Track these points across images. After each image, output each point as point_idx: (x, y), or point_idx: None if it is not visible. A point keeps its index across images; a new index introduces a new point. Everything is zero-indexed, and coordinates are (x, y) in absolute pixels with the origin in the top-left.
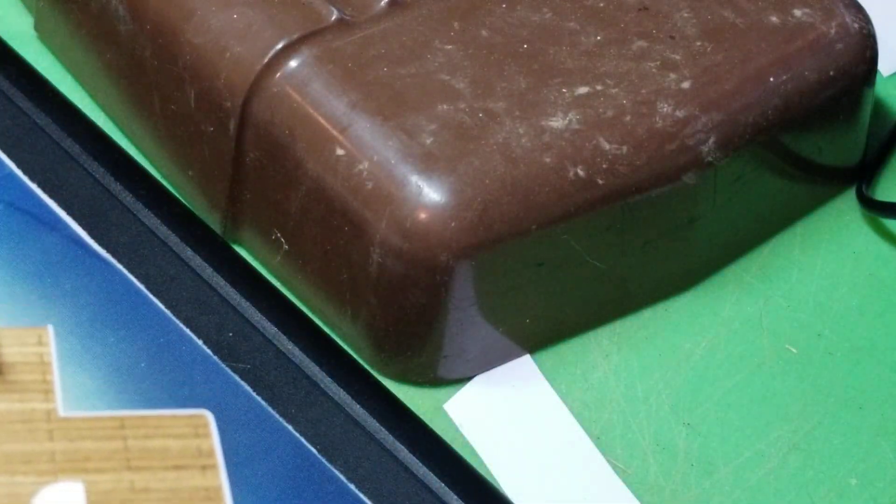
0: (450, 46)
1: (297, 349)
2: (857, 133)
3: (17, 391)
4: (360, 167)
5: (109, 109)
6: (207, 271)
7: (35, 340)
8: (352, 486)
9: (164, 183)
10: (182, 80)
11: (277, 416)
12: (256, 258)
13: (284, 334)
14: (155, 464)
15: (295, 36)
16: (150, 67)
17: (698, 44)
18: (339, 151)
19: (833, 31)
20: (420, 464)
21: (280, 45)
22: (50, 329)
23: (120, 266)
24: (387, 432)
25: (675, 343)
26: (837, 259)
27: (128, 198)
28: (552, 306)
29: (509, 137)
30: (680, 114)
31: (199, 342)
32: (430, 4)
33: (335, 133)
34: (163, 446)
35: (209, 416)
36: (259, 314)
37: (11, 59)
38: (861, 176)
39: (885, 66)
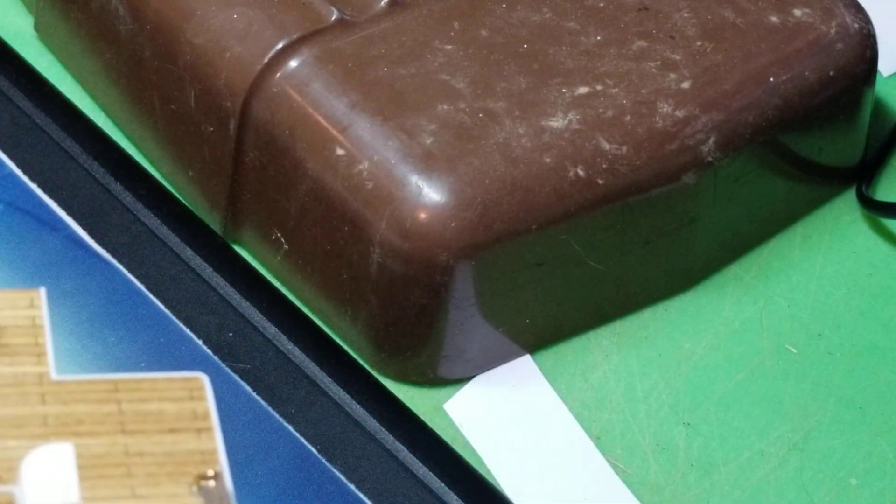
0: (450, 46)
1: (297, 349)
2: (856, 133)
3: (8, 354)
4: (360, 167)
5: (109, 109)
6: (207, 271)
7: (27, 303)
8: (352, 486)
9: (164, 183)
10: (182, 80)
11: (277, 416)
12: (256, 258)
13: (284, 334)
14: (149, 427)
15: (295, 36)
16: (150, 67)
17: (698, 44)
18: (339, 151)
19: (833, 30)
20: (420, 464)
21: (280, 45)
22: (42, 292)
23: (120, 266)
24: (387, 432)
25: (675, 343)
26: (837, 259)
27: (128, 198)
28: (552, 306)
29: (509, 137)
30: (680, 114)
31: (199, 342)
32: (430, 4)
33: (335, 133)
34: (157, 409)
35: (204, 379)
36: (259, 314)
37: (11, 59)
38: (861, 176)
39: (885, 66)
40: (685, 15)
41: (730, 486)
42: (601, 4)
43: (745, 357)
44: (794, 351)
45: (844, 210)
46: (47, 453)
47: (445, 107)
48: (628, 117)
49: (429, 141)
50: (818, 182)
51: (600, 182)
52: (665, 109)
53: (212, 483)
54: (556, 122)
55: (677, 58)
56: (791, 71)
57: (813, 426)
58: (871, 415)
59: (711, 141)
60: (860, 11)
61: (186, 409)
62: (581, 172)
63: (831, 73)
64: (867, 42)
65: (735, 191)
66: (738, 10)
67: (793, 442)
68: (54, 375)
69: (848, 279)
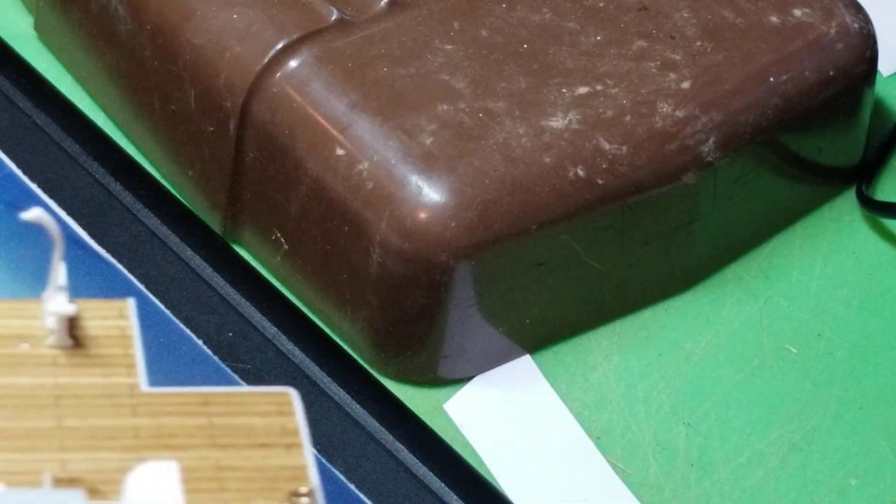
0: (450, 46)
1: (297, 349)
2: (856, 133)
3: (99, 365)
4: (360, 167)
5: (109, 109)
6: (207, 271)
7: (116, 314)
8: (352, 486)
9: (164, 183)
10: (182, 80)
11: None
12: (256, 258)
13: (284, 334)
14: (240, 441)
15: (295, 36)
16: (150, 67)
17: (698, 44)
18: (339, 151)
19: (833, 30)
20: (420, 464)
21: (280, 45)
22: (131, 302)
23: (120, 266)
24: (387, 432)
25: (675, 343)
26: (837, 259)
27: (128, 198)
28: (552, 306)
29: (509, 137)
30: (680, 114)
31: (199, 342)
32: (430, 4)
33: (335, 133)
34: (247, 424)
35: (293, 395)
36: (259, 314)
37: (11, 59)
38: (861, 176)
39: (885, 66)
40: (685, 15)
41: (730, 486)
42: (601, 4)
43: (745, 357)
44: (795, 351)
45: (844, 210)
46: (152, 470)
47: (445, 107)
48: (628, 117)
49: (429, 141)
50: (818, 182)
51: (600, 182)
52: (665, 109)
53: (305, 500)
54: (556, 122)
55: (677, 58)
56: (791, 71)
57: (813, 426)
58: (872, 415)
59: (711, 141)
60: (860, 11)
61: (276, 424)
62: (581, 172)
63: (831, 73)
64: (867, 42)
65: (735, 191)
66: (737, 10)
67: (793, 442)
68: (144, 387)
69: (848, 279)
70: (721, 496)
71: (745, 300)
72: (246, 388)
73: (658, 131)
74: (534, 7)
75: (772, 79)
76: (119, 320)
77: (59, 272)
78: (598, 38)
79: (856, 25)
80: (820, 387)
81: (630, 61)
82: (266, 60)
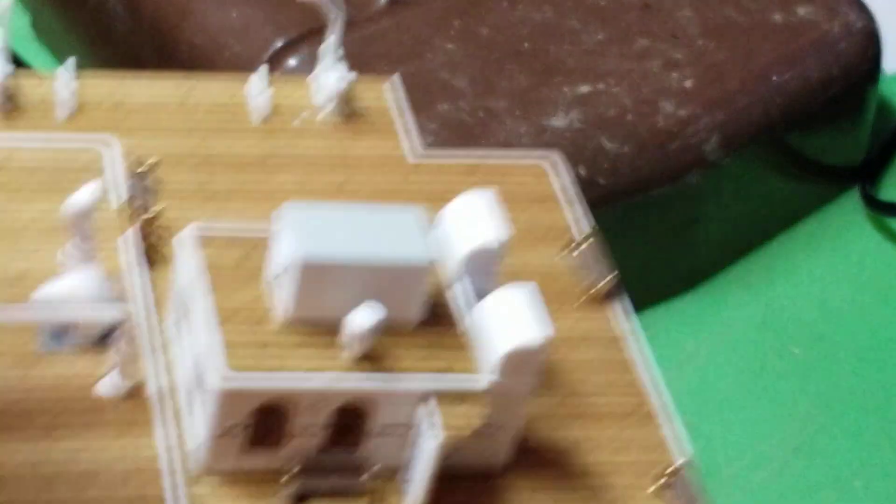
0: (450, 45)
1: None
2: (860, 132)
3: (370, 134)
4: None
5: None
6: None
7: (382, 89)
8: None
9: None
10: None
11: None
12: None
13: None
14: (506, 203)
15: (294, 34)
16: (149, 66)
17: (701, 42)
18: None
19: (836, 29)
20: None
21: (279, 44)
22: (396, 77)
23: None
24: None
25: (676, 343)
26: (841, 259)
27: None
28: None
29: (510, 136)
30: (682, 113)
31: None
32: (431, 2)
33: None
34: (510, 189)
35: (546, 165)
36: None
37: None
38: (864, 175)
39: (888, 65)
40: (687, 13)
41: (732, 488)
42: (603, 3)
43: (747, 358)
44: (798, 352)
45: (848, 210)
46: (469, 199)
47: (446, 105)
48: (630, 116)
49: (429, 140)
50: (821, 181)
51: (602, 182)
52: (667, 108)
53: (577, 252)
54: (558, 121)
55: (680, 56)
56: (794, 69)
57: (816, 428)
58: (875, 417)
59: (714, 140)
60: (864, 10)
61: (536, 189)
62: (582, 172)
63: (834, 71)
64: (871, 40)
65: (738, 190)
66: (740, 8)
67: (796, 444)
68: (413, 158)
69: (851, 279)
70: (723, 498)
71: (748, 301)
72: (506, 159)
73: (660, 130)
74: (535, 5)
75: (775, 77)
76: (387, 93)
77: (335, 48)
78: (600, 36)
79: (859, 24)
80: (823, 388)
81: (632, 60)
82: (265, 59)
